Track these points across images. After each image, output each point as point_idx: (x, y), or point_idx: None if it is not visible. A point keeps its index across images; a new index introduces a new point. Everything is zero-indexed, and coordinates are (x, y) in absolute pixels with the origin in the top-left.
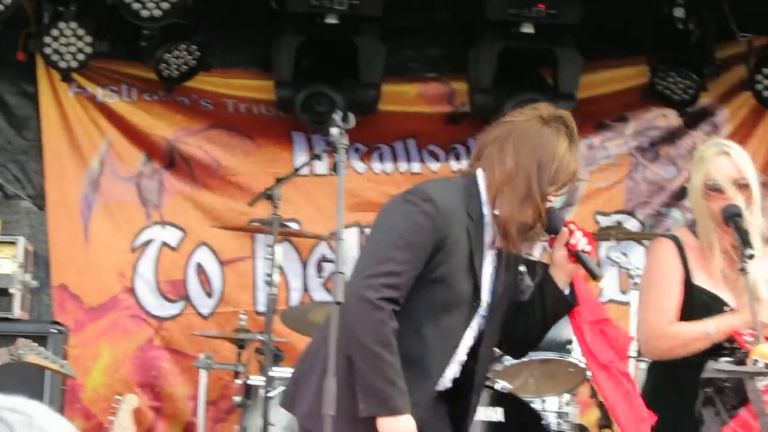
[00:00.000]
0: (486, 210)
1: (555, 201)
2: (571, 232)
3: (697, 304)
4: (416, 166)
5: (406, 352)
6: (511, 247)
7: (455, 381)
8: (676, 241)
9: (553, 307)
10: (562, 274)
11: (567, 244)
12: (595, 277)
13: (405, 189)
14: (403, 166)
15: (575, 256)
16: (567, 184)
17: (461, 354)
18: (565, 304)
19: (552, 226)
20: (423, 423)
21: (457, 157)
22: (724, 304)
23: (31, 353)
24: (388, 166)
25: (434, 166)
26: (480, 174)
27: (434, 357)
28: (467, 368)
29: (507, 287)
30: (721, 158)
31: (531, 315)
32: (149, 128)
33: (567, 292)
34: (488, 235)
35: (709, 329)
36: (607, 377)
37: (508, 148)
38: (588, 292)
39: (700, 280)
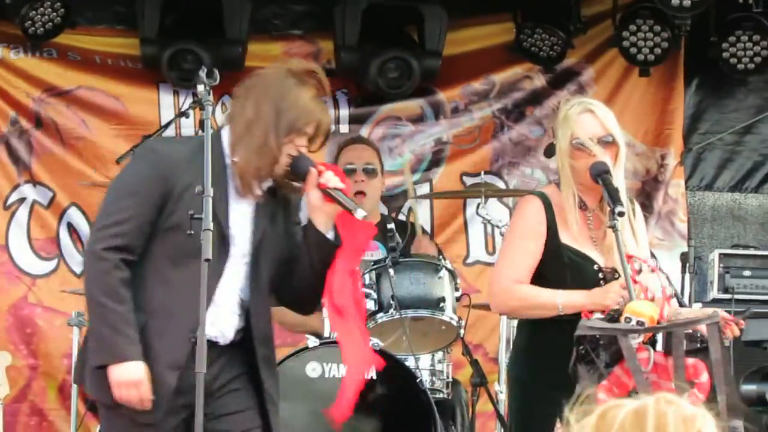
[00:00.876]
0: (228, 160)
1: (304, 149)
2: (320, 172)
3: (565, 263)
4: None
5: (155, 300)
6: (250, 194)
7: (245, 332)
8: (543, 198)
9: (318, 251)
10: (321, 217)
11: (318, 185)
12: (350, 211)
13: None
14: None
15: (328, 195)
16: (315, 133)
17: (225, 302)
18: (329, 247)
19: (300, 171)
20: (186, 370)
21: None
22: (594, 263)
23: None
24: None
25: None
26: (225, 128)
27: (184, 304)
28: (247, 319)
29: (273, 237)
30: (585, 116)
31: (301, 264)
32: (16, 87)
33: (331, 235)
34: (234, 184)
35: (558, 301)
36: (341, 320)
37: (251, 98)
38: (355, 240)
39: (566, 238)
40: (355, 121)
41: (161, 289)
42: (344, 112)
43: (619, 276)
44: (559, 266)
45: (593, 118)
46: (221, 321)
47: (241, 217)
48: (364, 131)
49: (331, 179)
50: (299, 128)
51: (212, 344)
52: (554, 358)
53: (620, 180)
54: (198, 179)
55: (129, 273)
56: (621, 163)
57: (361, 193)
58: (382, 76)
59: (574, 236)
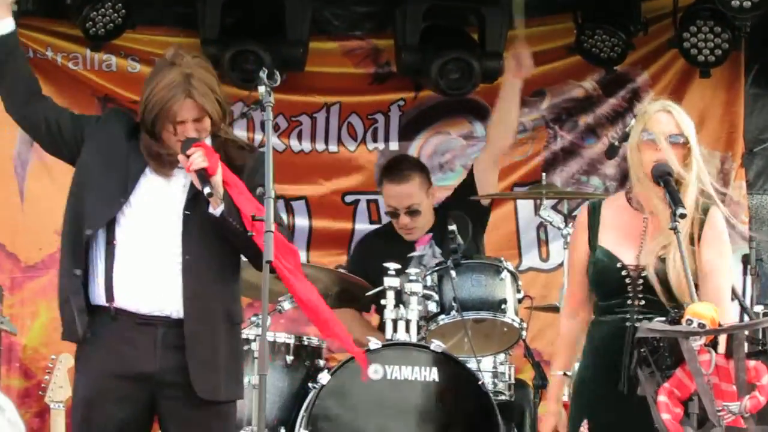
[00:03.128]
0: None
1: (190, 132)
2: (187, 157)
3: (592, 262)
4: (333, 147)
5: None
6: (152, 165)
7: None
8: (592, 204)
9: (218, 226)
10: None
11: (186, 170)
12: (205, 194)
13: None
14: (320, 146)
15: (196, 176)
16: (191, 117)
17: (147, 272)
18: (219, 222)
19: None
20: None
21: (375, 135)
22: (618, 261)
23: None
24: (306, 145)
25: (351, 146)
26: None
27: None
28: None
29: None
30: (661, 114)
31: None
32: (80, 87)
33: (218, 211)
34: None
35: (552, 371)
36: (297, 281)
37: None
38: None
39: (606, 239)
40: (405, 138)
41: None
42: (394, 131)
43: (644, 272)
44: (590, 265)
45: (669, 117)
46: (137, 293)
47: (156, 190)
48: (413, 148)
49: (195, 161)
50: (154, 111)
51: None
52: (595, 357)
53: (693, 184)
54: (120, 144)
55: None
56: (693, 166)
57: (409, 230)
58: (443, 76)
59: (617, 236)
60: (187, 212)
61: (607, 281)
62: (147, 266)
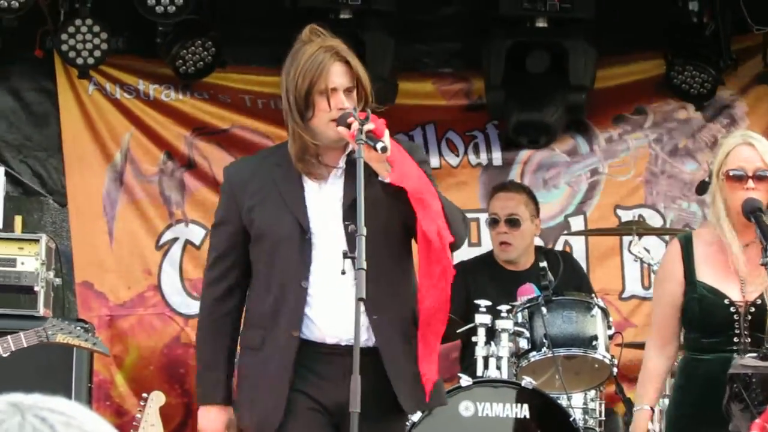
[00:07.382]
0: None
1: (343, 102)
2: (348, 127)
3: (696, 298)
4: (435, 161)
5: (261, 309)
6: (314, 176)
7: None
8: (684, 239)
9: (389, 194)
10: (375, 165)
11: (350, 137)
12: (374, 148)
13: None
14: None
15: (364, 143)
16: (344, 85)
17: (330, 300)
18: (385, 186)
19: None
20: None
21: (476, 150)
22: (726, 297)
23: (61, 333)
24: None
25: (453, 161)
26: None
27: (282, 305)
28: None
29: (368, 206)
30: (743, 147)
31: None
32: (167, 126)
33: (388, 179)
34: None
35: (637, 406)
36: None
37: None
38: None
39: (705, 275)
40: (508, 151)
41: (263, 297)
42: (495, 144)
43: (752, 308)
44: (691, 301)
45: (752, 151)
46: (326, 321)
47: (324, 200)
48: (517, 163)
49: (357, 128)
50: (311, 93)
51: (332, 350)
52: (691, 395)
53: None
54: (265, 186)
55: (235, 302)
56: None
57: (505, 243)
58: None
59: (716, 271)
60: (346, 222)
61: (714, 318)
62: (330, 294)
